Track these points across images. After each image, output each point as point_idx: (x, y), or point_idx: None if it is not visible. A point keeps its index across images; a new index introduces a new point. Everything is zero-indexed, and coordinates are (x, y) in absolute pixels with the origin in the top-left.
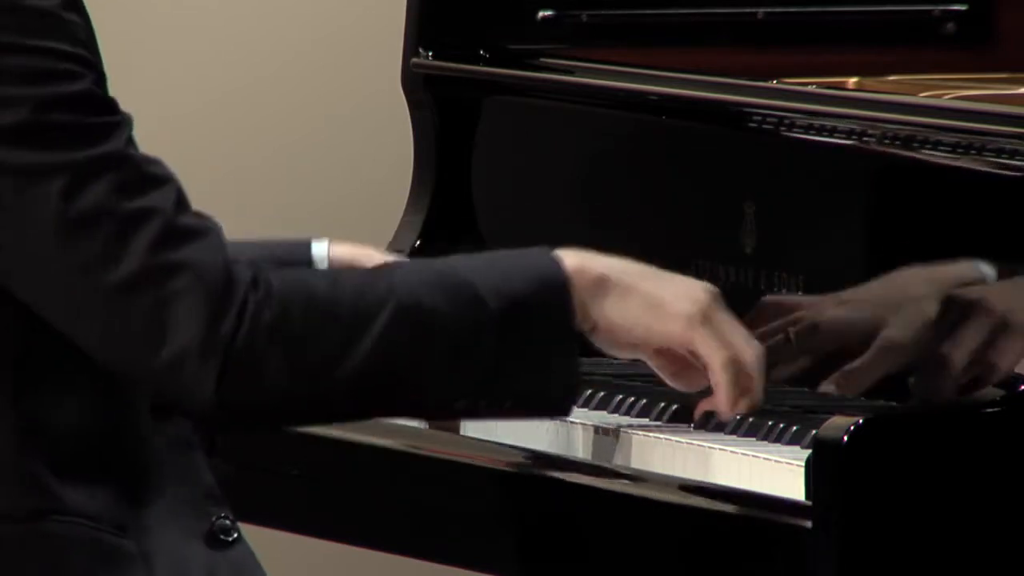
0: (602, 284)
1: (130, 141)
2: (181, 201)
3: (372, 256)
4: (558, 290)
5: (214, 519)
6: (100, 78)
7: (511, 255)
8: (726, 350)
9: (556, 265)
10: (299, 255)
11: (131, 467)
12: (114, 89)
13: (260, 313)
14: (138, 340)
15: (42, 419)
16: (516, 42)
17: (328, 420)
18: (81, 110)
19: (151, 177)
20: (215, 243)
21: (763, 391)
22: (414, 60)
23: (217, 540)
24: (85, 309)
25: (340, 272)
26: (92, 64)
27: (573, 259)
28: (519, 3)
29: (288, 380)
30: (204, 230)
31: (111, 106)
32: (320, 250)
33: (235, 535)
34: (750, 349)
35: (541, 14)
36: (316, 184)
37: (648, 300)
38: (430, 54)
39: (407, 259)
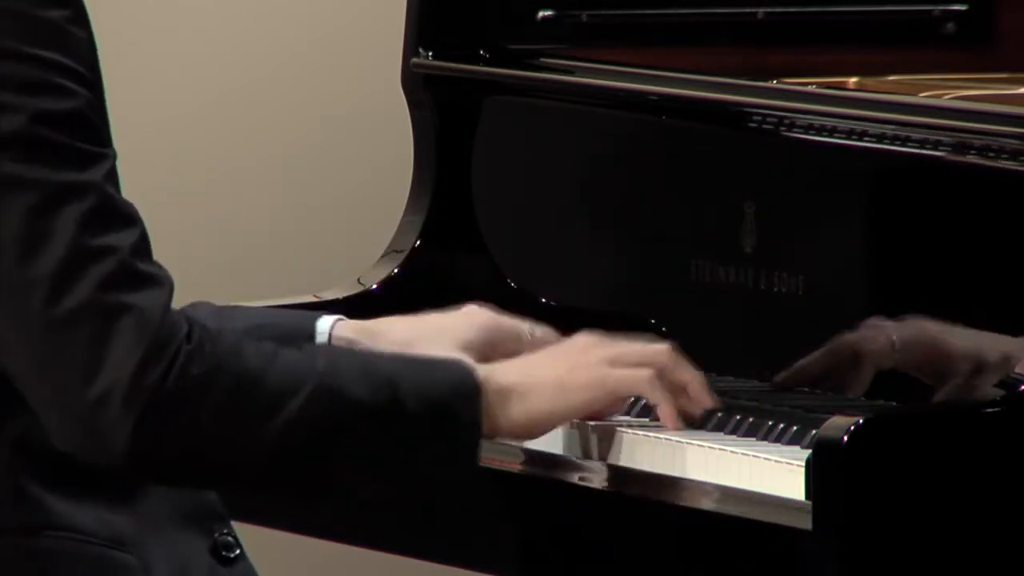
0: (508, 391)
1: (109, 176)
2: (142, 246)
3: (375, 333)
4: (469, 397)
5: (216, 536)
6: (97, 99)
7: (430, 361)
8: (642, 371)
9: (470, 375)
10: (305, 328)
11: (131, 480)
12: (114, 90)
13: (188, 367)
14: (70, 371)
15: (34, 433)
16: (516, 42)
17: (232, 487)
18: (69, 131)
19: (119, 216)
20: (162, 294)
21: (699, 376)
22: (414, 60)
23: (220, 557)
24: (26, 331)
25: (277, 349)
26: (90, 83)
27: (482, 371)
28: (519, 3)
29: (202, 438)
30: (155, 279)
31: (99, 135)
32: (323, 325)
33: (237, 551)
34: (657, 354)
35: (541, 14)
36: (316, 184)
37: (553, 386)
38: (430, 54)
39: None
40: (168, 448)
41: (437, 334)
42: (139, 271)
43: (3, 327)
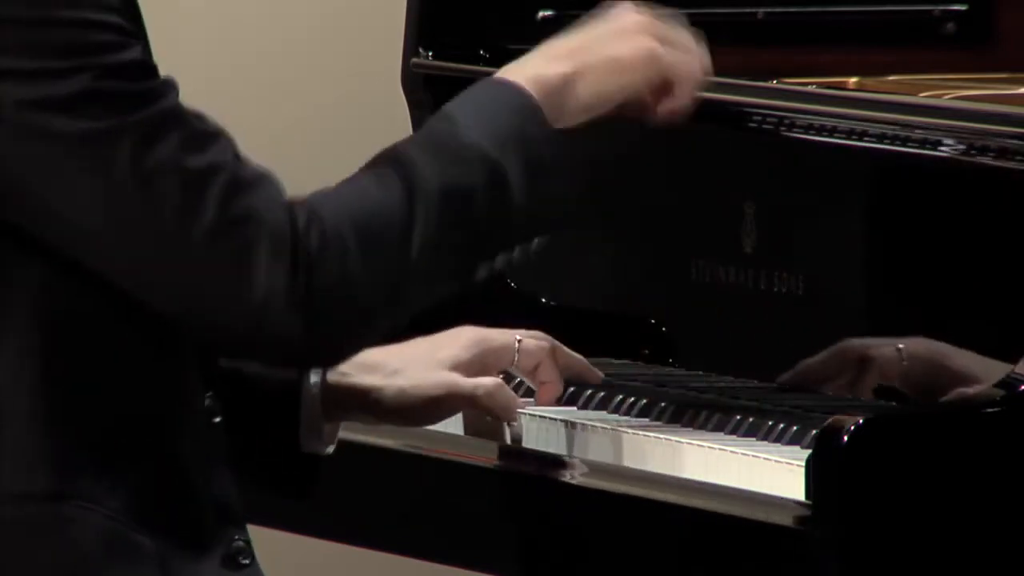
0: (564, 82)
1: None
2: (238, 153)
3: (368, 367)
4: (535, 116)
5: (231, 541)
6: (145, 46)
7: (485, 99)
8: (688, 56)
9: (524, 94)
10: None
11: (158, 466)
12: None
13: (323, 243)
14: (226, 289)
15: (75, 400)
16: (516, 42)
17: (406, 313)
18: (133, 76)
19: (208, 133)
20: (273, 189)
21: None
22: (414, 60)
23: (233, 562)
24: (168, 262)
25: (365, 177)
26: (133, 33)
27: (530, 75)
28: (519, 3)
29: (364, 293)
30: (262, 177)
31: (157, 71)
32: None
33: (249, 559)
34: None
35: (541, 14)
36: (316, 184)
37: (607, 66)
38: (430, 54)
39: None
40: (341, 317)
41: (427, 356)
42: (248, 176)
43: (147, 274)
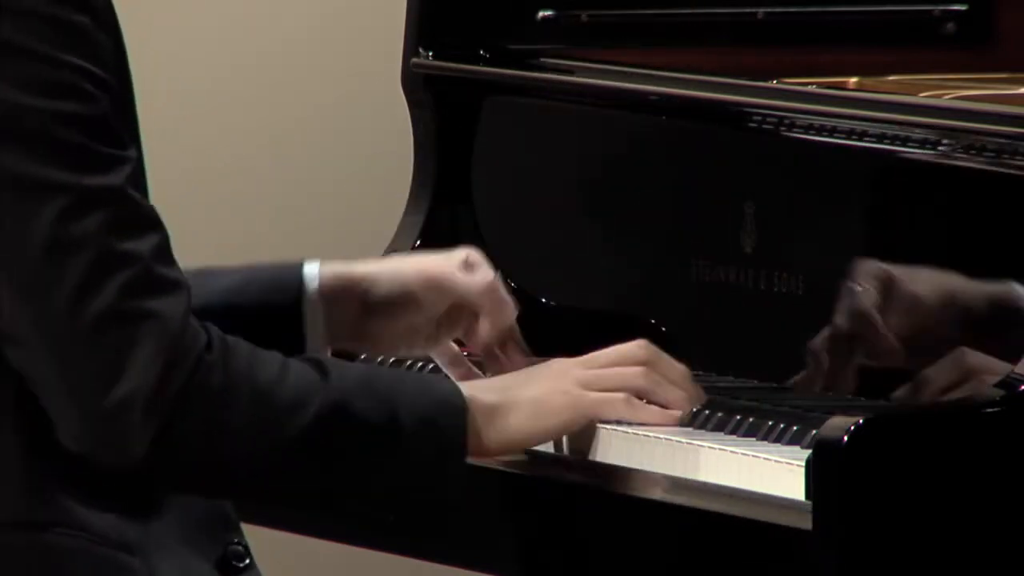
0: (489, 411)
1: (132, 179)
2: (163, 251)
3: (357, 270)
4: (456, 415)
5: (227, 545)
6: (121, 102)
7: (423, 379)
8: (617, 395)
9: (458, 394)
10: (287, 278)
11: (142, 487)
12: None
13: (209, 377)
14: (91, 376)
15: (50, 432)
16: (516, 42)
17: (239, 496)
18: (92, 134)
19: (142, 221)
20: (182, 301)
21: (681, 371)
22: (414, 60)
23: (229, 567)
24: (48, 334)
25: (286, 360)
26: (111, 88)
27: (467, 389)
28: (519, 3)
29: (219, 446)
30: (176, 284)
31: (120, 140)
32: (312, 272)
33: (247, 561)
34: (633, 373)
35: (541, 14)
36: (316, 184)
37: (530, 407)
38: (430, 54)
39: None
40: (185, 454)
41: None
42: (161, 277)
43: (24, 328)
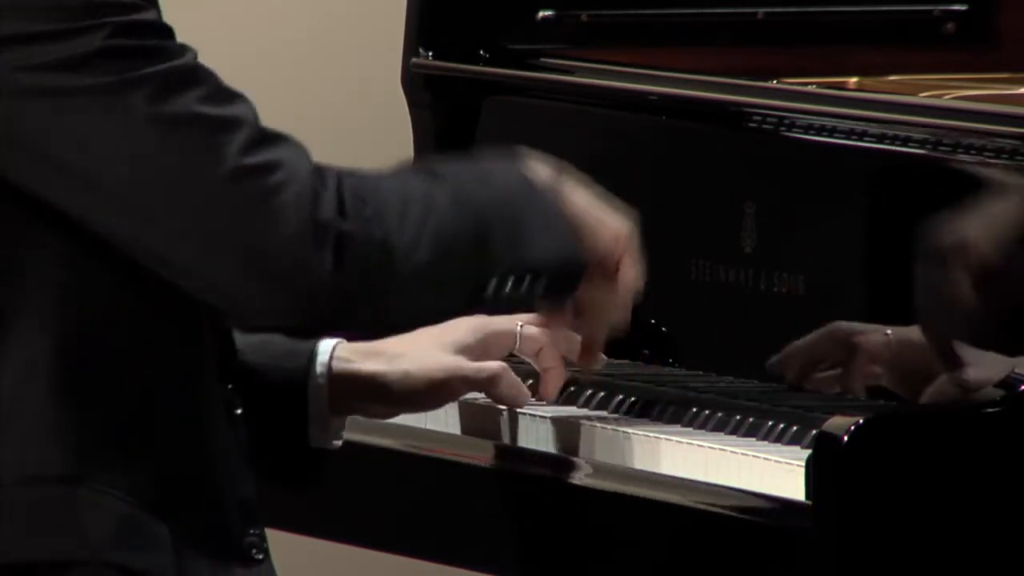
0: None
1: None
2: (256, 113)
3: (374, 353)
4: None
5: (246, 536)
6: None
7: (494, 170)
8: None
9: (528, 174)
10: (302, 352)
11: (176, 453)
12: None
13: (344, 196)
14: (247, 231)
15: (93, 382)
16: (516, 42)
17: (415, 297)
18: (152, 34)
19: (230, 91)
20: (299, 147)
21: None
22: (414, 60)
23: (247, 556)
24: (190, 209)
25: (393, 171)
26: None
27: (531, 164)
28: (519, 3)
29: (382, 253)
30: (283, 136)
31: (173, 33)
32: (324, 347)
33: (263, 555)
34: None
35: (541, 14)
36: None
37: (582, 218)
38: (430, 54)
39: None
40: (363, 262)
41: (431, 341)
42: (271, 132)
43: (158, 229)
